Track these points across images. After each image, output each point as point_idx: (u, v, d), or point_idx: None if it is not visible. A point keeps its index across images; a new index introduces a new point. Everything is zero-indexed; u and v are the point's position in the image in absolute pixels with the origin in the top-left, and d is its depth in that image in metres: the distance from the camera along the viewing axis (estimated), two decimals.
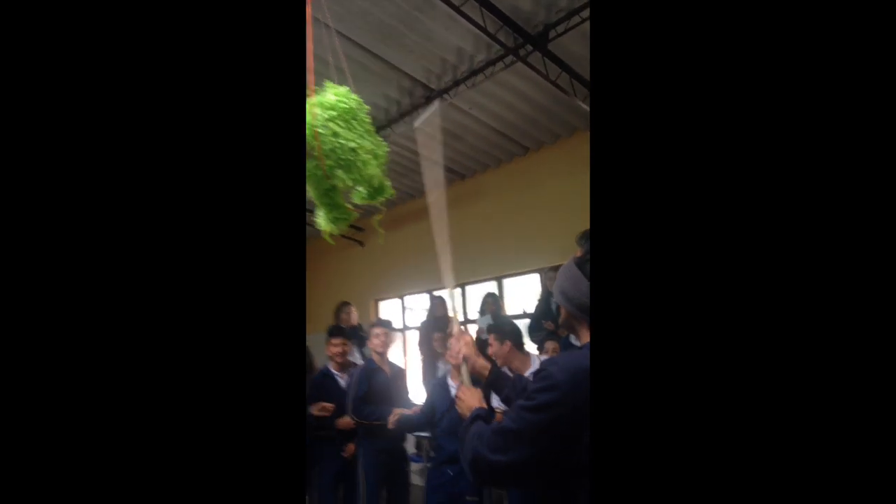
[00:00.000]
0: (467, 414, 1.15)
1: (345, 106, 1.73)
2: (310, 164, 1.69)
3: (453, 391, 2.71)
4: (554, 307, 3.63)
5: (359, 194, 1.89)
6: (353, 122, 1.73)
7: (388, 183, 1.86)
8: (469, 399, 1.20)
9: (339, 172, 1.70)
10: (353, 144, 1.69)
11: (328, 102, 1.72)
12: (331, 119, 1.69)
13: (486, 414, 1.12)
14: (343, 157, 1.67)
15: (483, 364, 1.36)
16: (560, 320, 1.12)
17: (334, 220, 1.89)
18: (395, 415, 2.89)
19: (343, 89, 1.78)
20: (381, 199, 1.90)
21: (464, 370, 1.35)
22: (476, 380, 1.34)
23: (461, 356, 1.35)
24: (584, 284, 0.99)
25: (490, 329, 2.67)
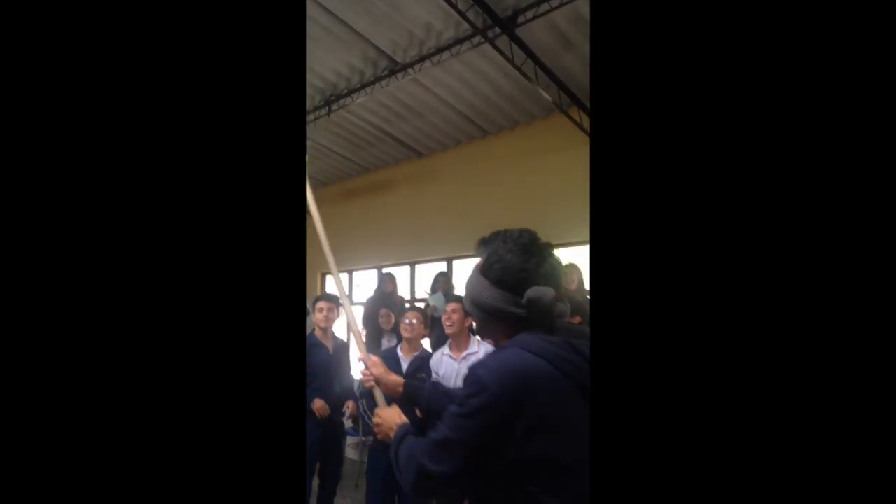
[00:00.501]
0: (390, 434, 1.12)
1: None
2: None
3: (404, 365, 2.73)
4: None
5: None
6: None
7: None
8: (389, 418, 1.17)
9: None
10: None
11: None
12: None
13: (413, 429, 1.10)
14: None
15: (395, 380, 1.34)
16: (476, 328, 1.14)
17: None
18: (317, 404, 2.90)
19: None
20: None
21: (377, 392, 1.32)
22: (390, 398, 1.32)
23: (372, 378, 1.33)
24: (490, 290, 1.01)
25: (454, 299, 2.71)
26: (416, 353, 2.79)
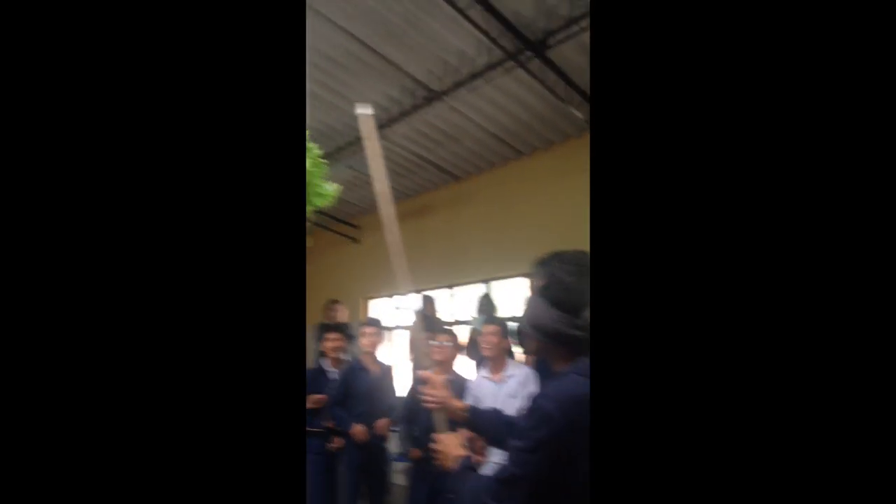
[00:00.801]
0: (449, 464, 1.10)
1: None
2: None
3: None
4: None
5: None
6: None
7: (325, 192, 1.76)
8: (451, 447, 1.13)
9: None
10: None
11: None
12: None
13: (474, 462, 1.07)
14: None
15: (460, 405, 1.29)
16: (532, 350, 1.13)
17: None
18: (356, 430, 2.90)
19: None
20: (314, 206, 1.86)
21: (439, 416, 1.26)
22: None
23: (437, 400, 1.28)
24: (549, 311, 1.00)
25: (492, 321, 2.72)
26: (447, 377, 2.76)
